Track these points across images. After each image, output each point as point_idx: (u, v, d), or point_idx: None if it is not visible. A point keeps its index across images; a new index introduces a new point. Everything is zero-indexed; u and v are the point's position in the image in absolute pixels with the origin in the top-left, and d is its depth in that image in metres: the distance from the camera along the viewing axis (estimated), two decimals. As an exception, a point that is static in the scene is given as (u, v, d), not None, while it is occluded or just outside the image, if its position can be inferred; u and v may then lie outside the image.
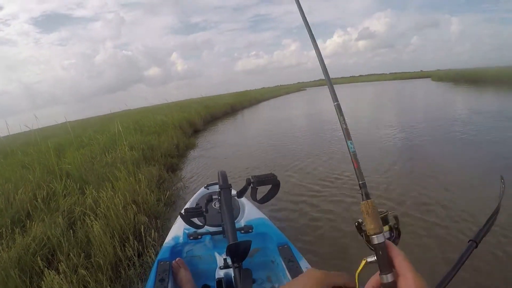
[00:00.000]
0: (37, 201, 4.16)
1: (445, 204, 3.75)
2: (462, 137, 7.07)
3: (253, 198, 1.40)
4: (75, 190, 4.52)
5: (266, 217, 2.40)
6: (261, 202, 1.46)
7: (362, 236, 0.53)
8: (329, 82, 0.64)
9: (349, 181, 4.80)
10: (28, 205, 4.08)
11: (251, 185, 1.39)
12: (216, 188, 2.64)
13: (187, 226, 2.01)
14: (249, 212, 2.46)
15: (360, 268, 0.50)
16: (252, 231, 2.08)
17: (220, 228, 2.07)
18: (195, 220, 1.79)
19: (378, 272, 0.49)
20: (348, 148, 0.57)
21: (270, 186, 1.45)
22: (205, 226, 1.84)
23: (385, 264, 0.48)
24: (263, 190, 1.41)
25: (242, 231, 2.06)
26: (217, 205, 2.29)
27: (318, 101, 25.66)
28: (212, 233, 2.08)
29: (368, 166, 5.38)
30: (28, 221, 3.60)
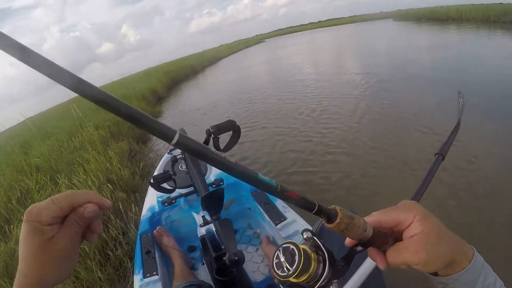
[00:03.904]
0: (12, 203, 3.86)
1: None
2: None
3: (216, 147, 1.27)
4: (48, 183, 4.21)
5: None
6: (224, 150, 1.35)
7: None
8: None
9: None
10: (3, 210, 3.79)
11: (212, 135, 1.26)
12: (179, 151, 2.44)
13: (160, 194, 1.93)
14: None
15: None
16: (223, 183, 2.01)
17: (191, 188, 1.99)
18: (165, 185, 1.67)
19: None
20: None
21: (231, 133, 1.34)
22: (176, 189, 1.75)
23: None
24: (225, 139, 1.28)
25: (214, 185, 1.98)
26: (184, 166, 2.16)
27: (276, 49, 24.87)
28: (185, 195, 1.99)
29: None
30: (7, 226, 3.35)
